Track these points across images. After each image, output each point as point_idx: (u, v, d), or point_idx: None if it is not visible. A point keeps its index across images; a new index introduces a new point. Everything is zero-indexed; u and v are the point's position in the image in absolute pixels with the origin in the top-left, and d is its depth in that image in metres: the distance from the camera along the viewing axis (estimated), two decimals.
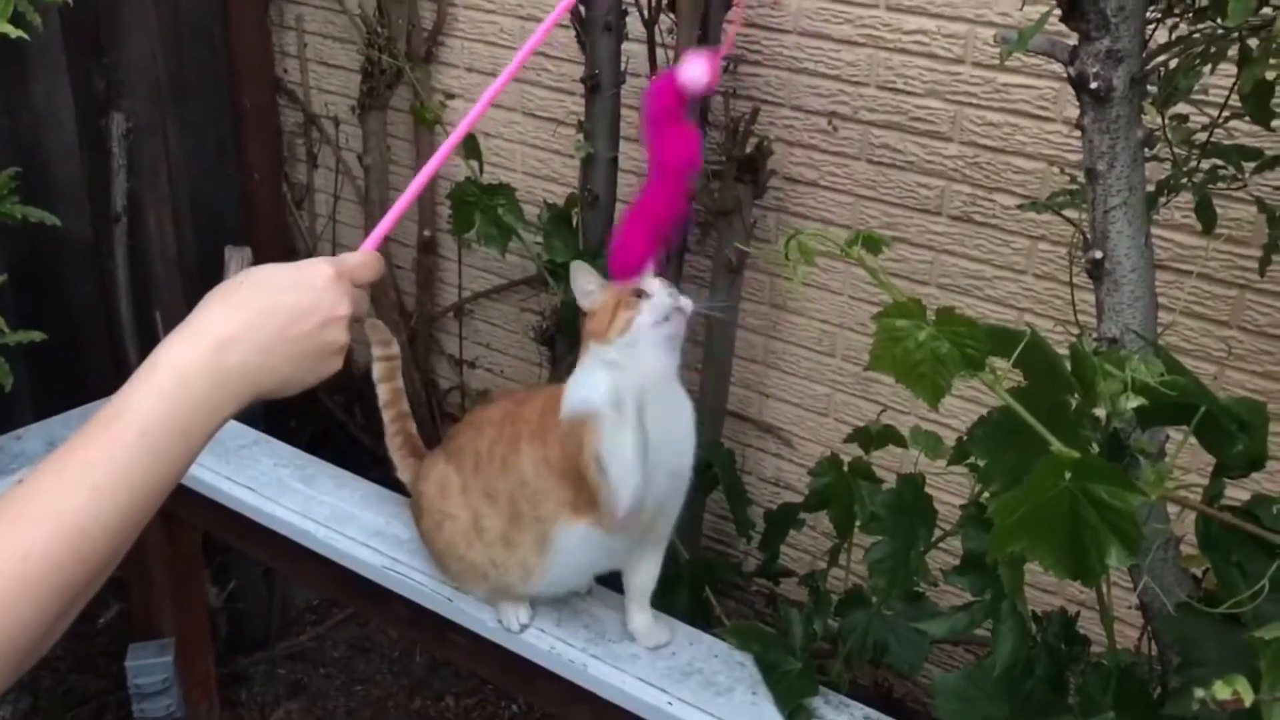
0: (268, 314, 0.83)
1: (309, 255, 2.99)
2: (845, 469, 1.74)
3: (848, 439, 1.82)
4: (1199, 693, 0.66)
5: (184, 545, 1.95)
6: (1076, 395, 0.89)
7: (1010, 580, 0.99)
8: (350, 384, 3.11)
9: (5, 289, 1.75)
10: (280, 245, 2.99)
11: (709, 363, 2.32)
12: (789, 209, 2.20)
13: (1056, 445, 0.80)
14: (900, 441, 1.76)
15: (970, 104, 1.94)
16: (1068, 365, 0.86)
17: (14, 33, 1.37)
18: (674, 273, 2.26)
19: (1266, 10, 0.92)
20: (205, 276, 2.81)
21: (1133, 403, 0.78)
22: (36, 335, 1.66)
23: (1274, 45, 0.94)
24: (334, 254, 3.09)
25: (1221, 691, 0.64)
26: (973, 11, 1.88)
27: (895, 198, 2.07)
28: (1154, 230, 1.78)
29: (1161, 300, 1.80)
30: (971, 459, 1.17)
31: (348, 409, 3.07)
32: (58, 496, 0.74)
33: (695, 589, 1.81)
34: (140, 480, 0.76)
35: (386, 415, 1.67)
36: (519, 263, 2.66)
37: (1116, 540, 0.78)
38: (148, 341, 2.61)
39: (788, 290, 2.27)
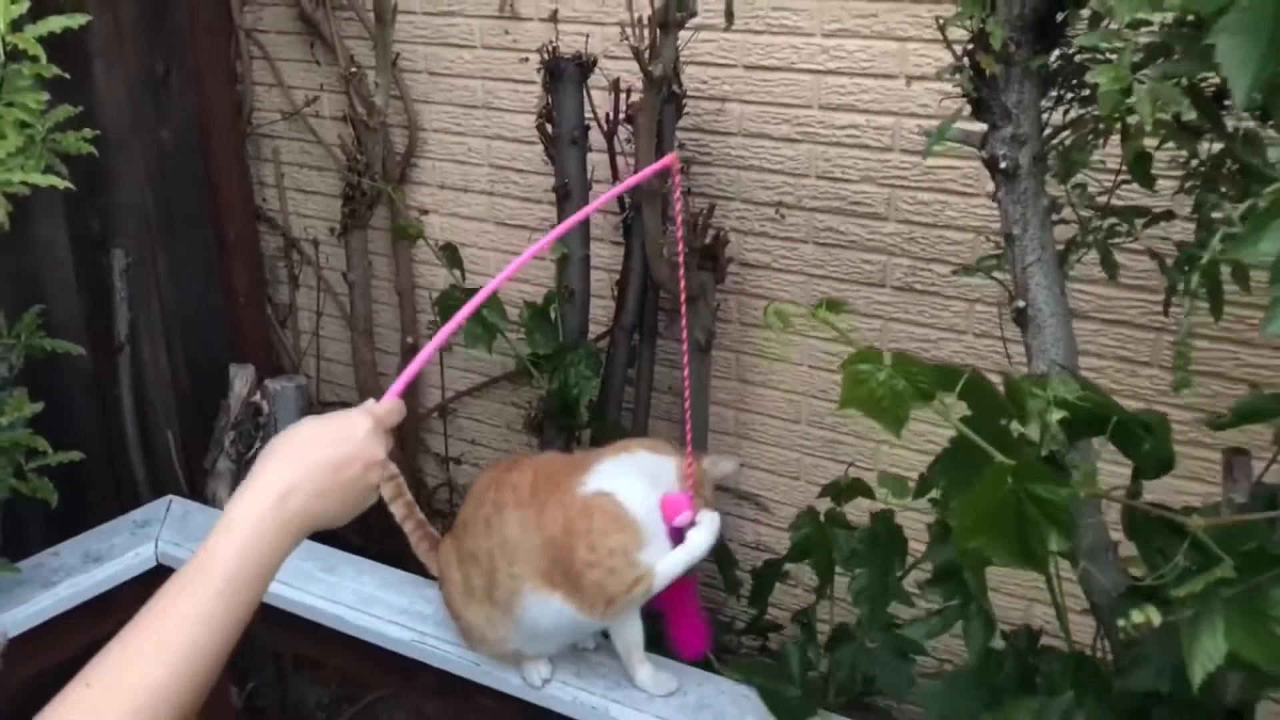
0: (320, 465, 1.01)
1: (294, 370, 3.16)
2: (822, 520, 1.91)
3: (821, 494, 2.00)
4: (1121, 622, 0.83)
5: None
6: (1014, 421, 1.08)
7: (975, 584, 1.16)
8: None
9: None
10: (267, 362, 3.14)
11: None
12: (748, 291, 2.41)
13: (999, 456, 0.98)
14: (868, 493, 1.92)
15: (902, 186, 2.16)
16: (1003, 394, 1.05)
17: (61, 184, 1.54)
18: (648, 357, 2.45)
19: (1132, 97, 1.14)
20: (198, 396, 2.97)
21: (1056, 415, 0.97)
22: (76, 455, 1.81)
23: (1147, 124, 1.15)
24: (318, 367, 3.24)
25: (1136, 618, 0.82)
26: (897, 105, 2.11)
27: (842, 274, 2.28)
28: (1077, 285, 2.02)
29: (1090, 347, 2.04)
30: (934, 493, 1.36)
31: None
32: (166, 640, 0.89)
33: None
34: (227, 617, 0.93)
35: (407, 528, 1.80)
36: (498, 360, 2.83)
37: (1055, 529, 0.96)
38: (152, 460, 2.74)
39: (754, 365, 2.46)
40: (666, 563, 1.53)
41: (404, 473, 3.01)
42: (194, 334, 2.95)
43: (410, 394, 3.01)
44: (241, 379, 2.33)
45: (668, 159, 1.53)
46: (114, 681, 0.87)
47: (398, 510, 1.81)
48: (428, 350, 1.16)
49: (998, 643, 1.37)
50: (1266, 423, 1.04)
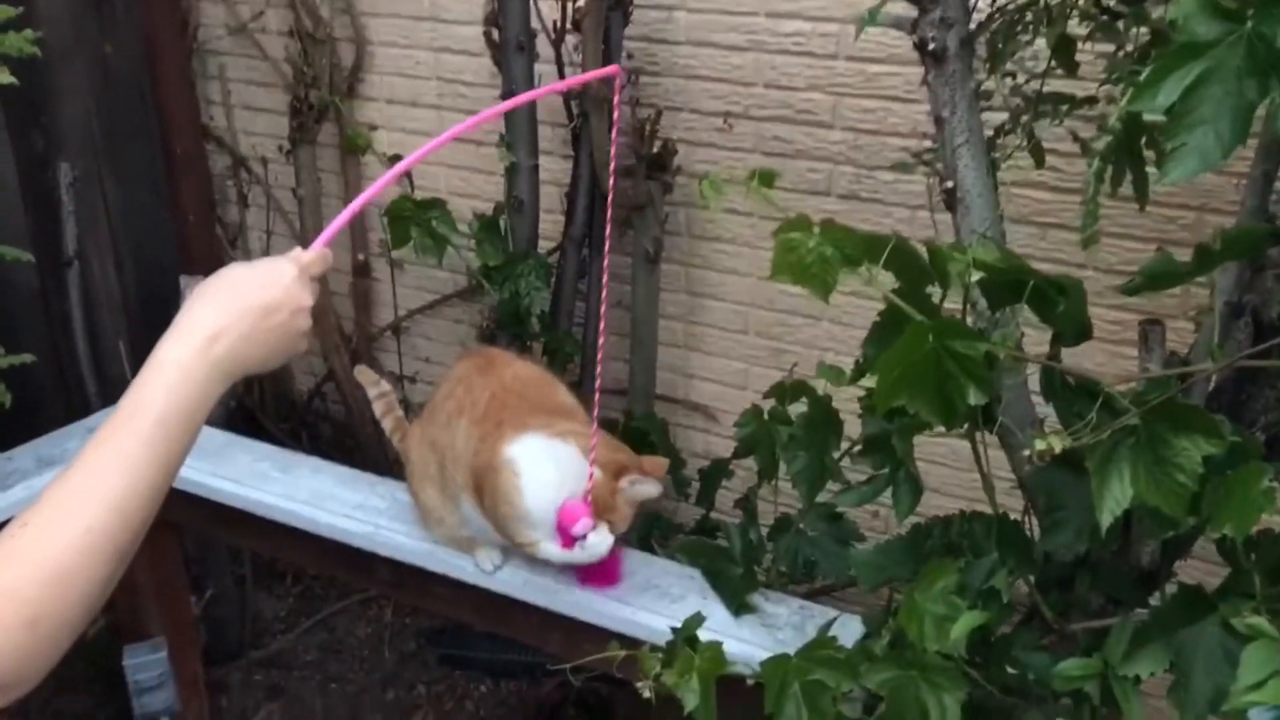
0: (247, 309, 1.01)
1: None
2: (766, 417, 1.96)
3: (766, 395, 2.05)
4: (1026, 451, 0.88)
5: (166, 549, 2.10)
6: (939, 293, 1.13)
7: (902, 448, 1.22)
8: (294, 412, 3.27)
9: None
10: None
11: (636, 351, 2.53)
12: (695, 203, 2.43)
13: (921, 317, 1.03)
14: (810, 393, 1.98)
15: (847, 94, 2.19)
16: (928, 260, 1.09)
17: (6, 79, 1.54)
18: (597, 269, 2.48)
19: None
20: (146, 316, 2.96)
21: (976, 276, 1.01)
22: (28, 357, 1.82)
23: (1068, 9, 1.20)
24: None
25: (1040, 444, 0.87)
26: (842, 12, 2.14)
27: (789, 184, 2.31)
28: (1016, 190, 2.07)
29: (1028, 250, 2.10)
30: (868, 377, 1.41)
31: (294, 435, 3.21)
32: (102, 481, 0.92)
33: (642, 539, 2.02)
34: (162, 458, 0.94)
35: (395, 439, 1.85)
36: (449, 277, 2.86)
37: (973, 383, 1.01)
38: (104, 377, 2.75)
39: (702, 278, 2.50)
40: (552, 553, 1.55)
41: (359, 391, 3.06)
42: (143, 252, 2.94)
43: (362, 313, 3.03)
44: (192, 290, 2.34)
45: (611, 69, 1.54)
46: (51, 522, 0.89)
47: (388, 425, 1.87)
48: (359, 201, 1.15)
49: None
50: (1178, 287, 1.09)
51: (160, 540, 2.06)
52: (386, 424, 1.87)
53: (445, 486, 1.62)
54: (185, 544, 2.32)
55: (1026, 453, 0.91)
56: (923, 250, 1.08)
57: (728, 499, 2.40)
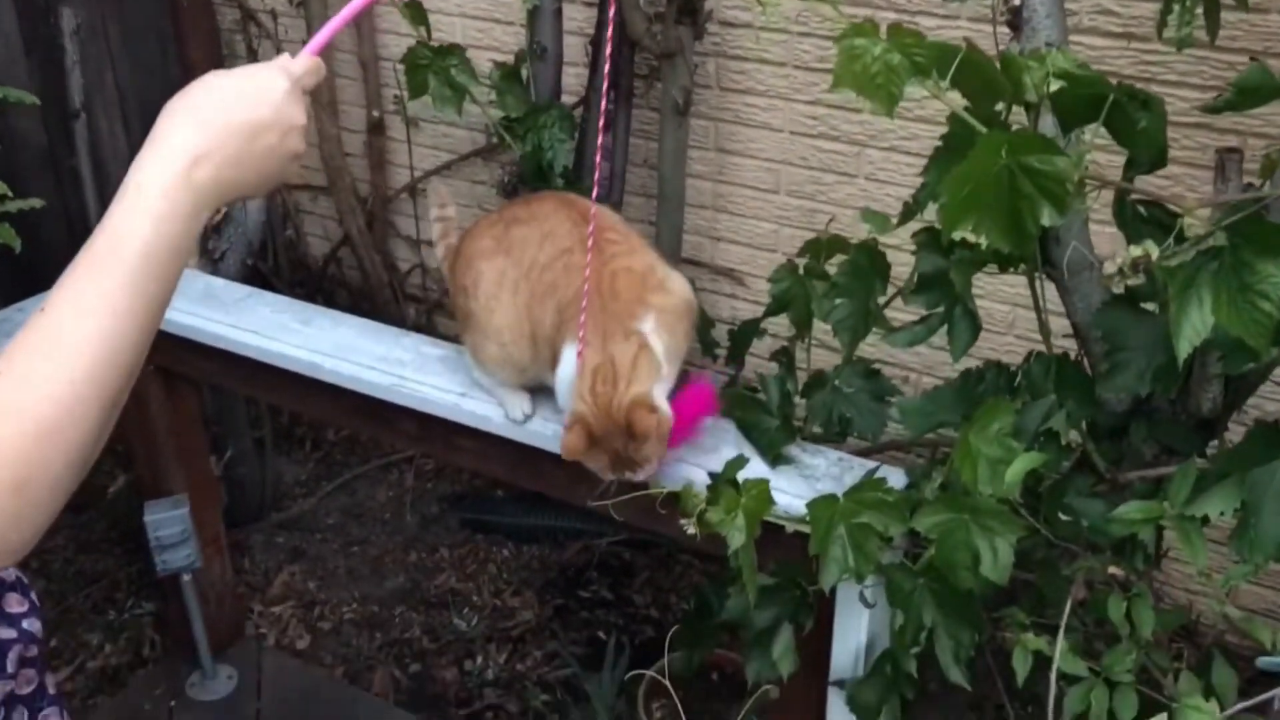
0: (233, 130, 0.89)
1: None
2: (801, 272, 1.89)
3: (800, 252, 1.98)
4: (1109, 267, 0.82)
5: (185, 405, 2.06)
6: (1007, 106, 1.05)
7: (961, 282, 1.15)
8: (309, 277, 3.21)
9: None
10: None
11: (663, 212, 2.45)
12: (727, 53, 2.33)
13: (992, 132, 0.95)
14: (848, 249, 1.91)
15: None
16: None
17: None
18: (623, 123, 2.39)
19: None
20: None
21: (1054, 85, 0.93)
22: (36, 202, 1.75)
23: None
24: None
25: (1135, 252, 0.81)
26: None
27: (827, 31, 2.20)
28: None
29: None
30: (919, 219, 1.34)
31: (309, 300, 3.15)
32: (85, 324, 0.80)
33: None
34: (149, 295, 0.84)
35: (444, 267, 1.75)
36: (467, 136, 2.76)
37: (1049, 202, 0.94)
38: None
39: (733, 133, 2.41)
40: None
41: (378, 254, 3.00)
42: (150, 108, 2.81)
43: (378, 174, 2.95)
44: None
45: None
46: (31, 372, 0.79)
47: (440, 250, 1.78)
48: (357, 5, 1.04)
49: None
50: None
51: (179, 395, 2.02)
52: (439, 249, 1.77)
53: (538, 350, 1.55)
54: (204, 403, 2.29)
55: (1110, 270, 0.84)
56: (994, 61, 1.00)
57: (753, 364, 2.35)
